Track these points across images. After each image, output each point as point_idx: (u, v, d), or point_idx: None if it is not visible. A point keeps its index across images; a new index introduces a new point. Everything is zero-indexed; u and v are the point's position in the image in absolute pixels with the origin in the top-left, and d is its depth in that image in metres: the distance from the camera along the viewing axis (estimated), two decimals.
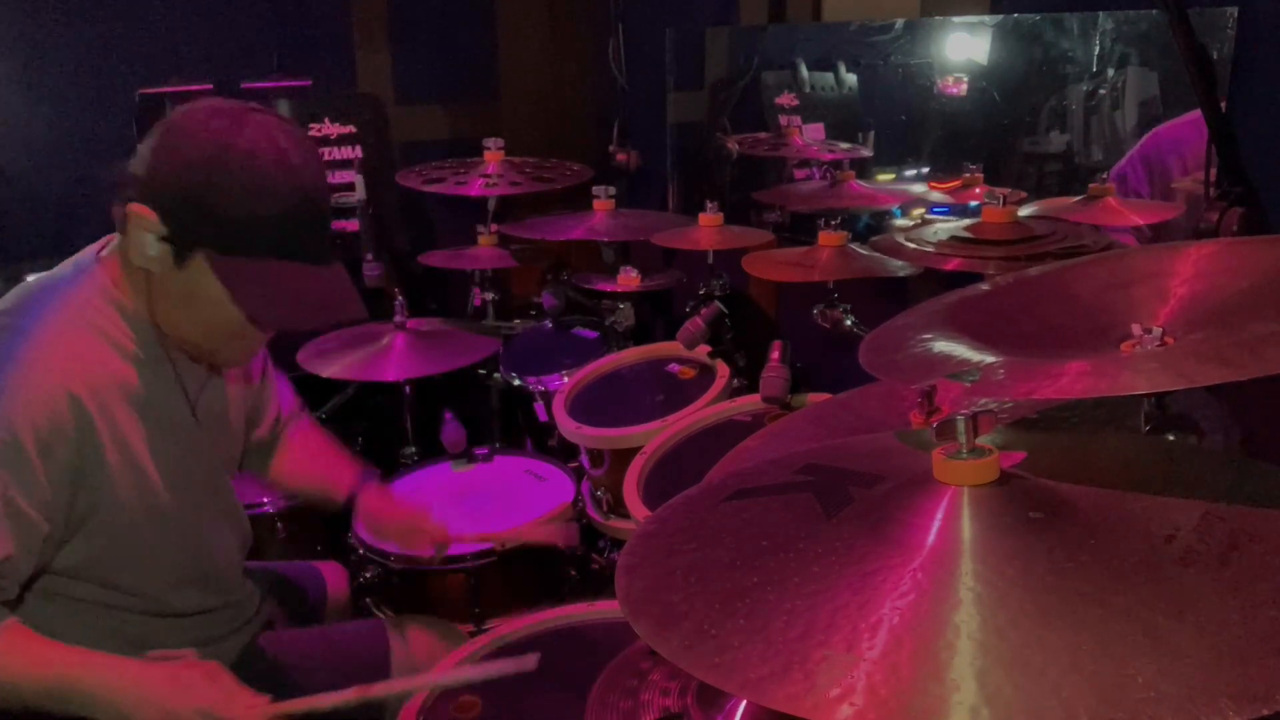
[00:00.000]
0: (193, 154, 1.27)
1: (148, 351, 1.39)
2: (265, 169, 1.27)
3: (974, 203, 2.17)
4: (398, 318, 2.56)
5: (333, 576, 1.93)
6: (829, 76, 2.70)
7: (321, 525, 2.26)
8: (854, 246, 1.98)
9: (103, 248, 1.43)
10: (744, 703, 1.09)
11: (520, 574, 1.96)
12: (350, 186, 3.04)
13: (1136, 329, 0.97)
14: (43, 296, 1.37)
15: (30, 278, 1.47)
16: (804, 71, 2.76)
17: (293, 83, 3.26)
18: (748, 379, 2.12)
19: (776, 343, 1.80)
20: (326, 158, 3.20)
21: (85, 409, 1.29)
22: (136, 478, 1.37)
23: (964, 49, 2.27)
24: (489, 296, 2.89)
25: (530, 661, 1.34)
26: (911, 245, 1.66)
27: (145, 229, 1.29)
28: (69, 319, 1.33)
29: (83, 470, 1.31)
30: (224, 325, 1.35)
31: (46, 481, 1.26)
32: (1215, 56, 1.64)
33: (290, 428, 1.79)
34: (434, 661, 1.51)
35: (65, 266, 1.42)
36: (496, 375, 2.65)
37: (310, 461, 1.78)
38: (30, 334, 1.30)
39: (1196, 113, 1.86)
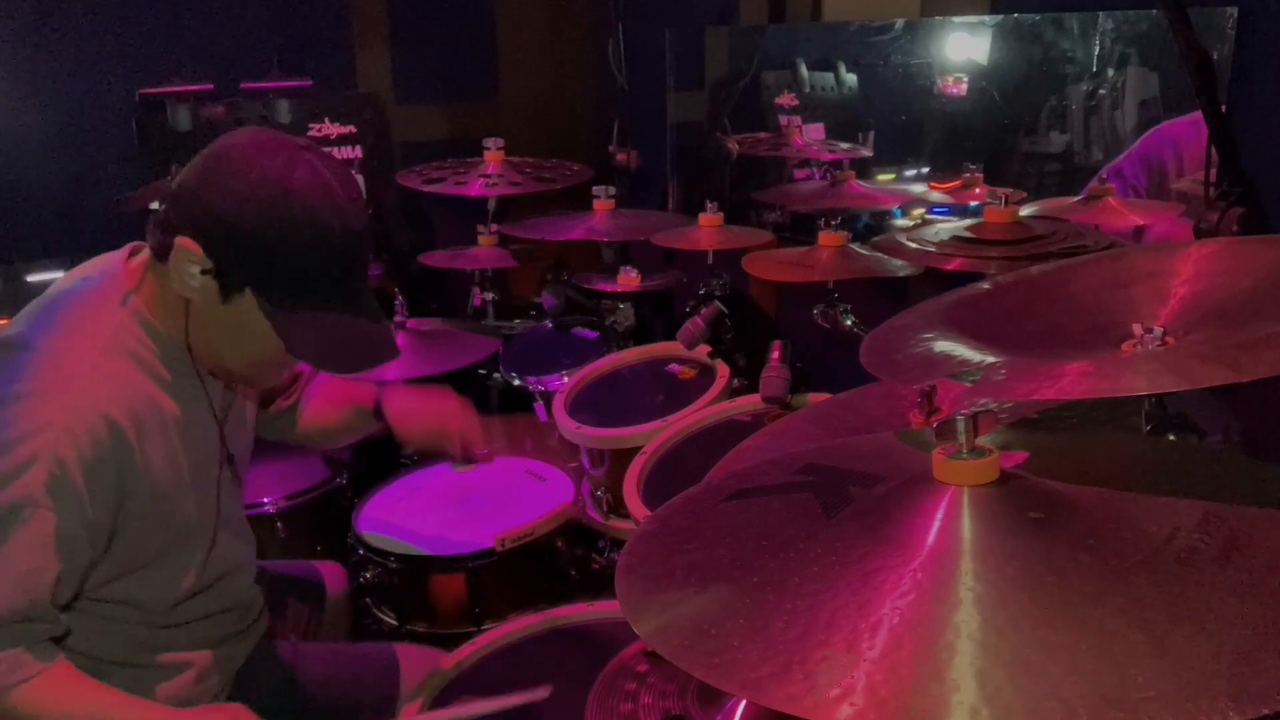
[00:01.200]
0: (246, 194, 1.25)
1: (181, 377, 1.38)
2: (322, 217, 1.26)
3: (974, 203, 2.17)
4: (398, 318, 2.56)
5: (332, 576, 1.93)
6: (829, 76, 2.70)
7: (321, 525, 2.25)
8: (854, 246, 1.98)
9: (128, 258, 1.40)
10: (743, 703, 1.09)
11: (520, 574, 1.96)
12: None
13: (1137, 329, 0.97)
14: (69, 314, 1.34)
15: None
16: (804, 71, 2.77)
17: (293, 83, 3.26)
18: (748, 379, 2.12)
19: (776, 343, 1.80)
20: None
21: (124, 435, 1.29)
22: (161, 503, 1.37)
23: (964, 49, 2.27)
24: (489, 296, 2.88)
25: (542, 693, 1.36)
26: (912, 245, 1.66)
27: (190, 260, 1.27)
28: (104, 344, 1.31)
29: (120, 494, 1.31)
30: (264, 355, 1.35)
31: (93, 509, 1.27)
32: (1215, 56, 1.64)
33: (309, 385, 1.78)
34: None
35: (90, 279, 1.39)
36: (496, 375, 2.65)
37: (330, 395, 1.78)
38: (64, 359, 1.29)
39: (1197, 113, 1.87)
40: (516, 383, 2.52)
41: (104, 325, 1.33)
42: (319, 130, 3.23)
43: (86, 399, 1.26)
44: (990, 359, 0.91)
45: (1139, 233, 1.89)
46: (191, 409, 1.41)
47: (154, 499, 1.36)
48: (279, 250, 1.26)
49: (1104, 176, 1.95)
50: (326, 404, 1.78)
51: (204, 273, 1.28)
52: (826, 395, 1.69)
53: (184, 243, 1.27)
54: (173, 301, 1.34)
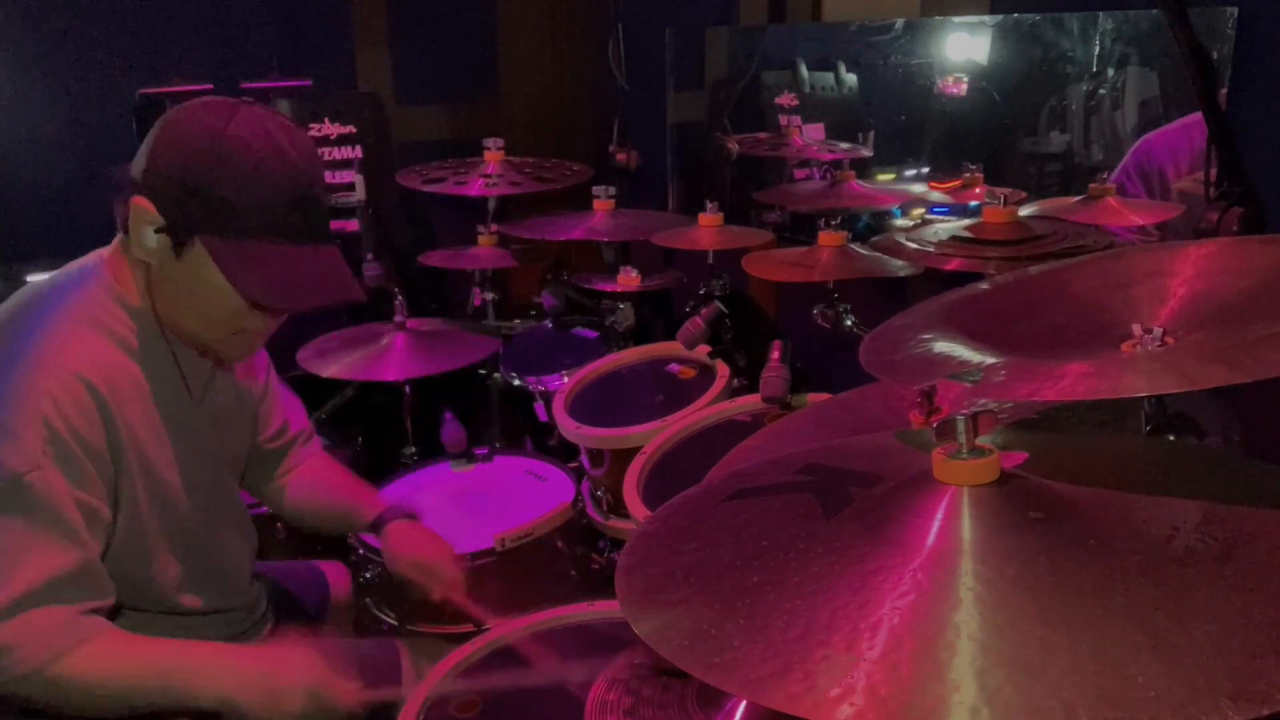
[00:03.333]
0: (186, 144, 1.29)
1: (150, 346, 1.40)
2: (256, 153, 1.29)
3: (974, 203, 2.17)
4: (398, 318, 2.56)
5: (335, 576, 1.93)
6: (829, 76, 2.71)
7: None
8: (854, 246, 1.98)
9: (107, 250, 1.44)
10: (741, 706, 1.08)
11: (520, 574, 1.96)
12: (350, 186, 3.04)
13: (1137, 329, 0.97)
14: (49, 296, 1.38)
15: (29, 278, 1.48)
16: (804, 71, 2.77)
17: (293, 83, 3.26)
18: (748, 379, 2.12)
19: (776, 343, 1.79)
20: (326, 158, 3.20)
21: (103, 398, 1.31)
22: (148, 472, 1.38)
23: (964, 49, 2.27)
24: (489, 296, 2.89)
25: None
26: (912, 245, 1.66)
27: (145, 221, 1.31)
28: (75, 316, 1.35)
29: (114, 454, 1.33)
30: (224, 314, 1.36)
31: (95, 471, 1.29)
32: (1215, 56, 1.64)
33: (300, 452, 1.78)
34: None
35: (70, 268, 1.43)
36: (496, 375, 2.65)
37: (329, 487, 1.77)
38: (39, 333, 1.32)
39: (1187, 118, 1.88)
40: (516, 383, 2.52)
41: (74, 300, 1.37)
42: (319, 130, 3.23)
43: (62, 367, 1.29)
44: (990, 359, 0.91)
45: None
46: (163, 380, 1.42)
47: (144, 471, 1.37)
48: (215, 189, 1.28)
49: (1105, 177, 1.95)
50: (324, 487, 1.77)
51: (158, 231, 1.31)
52: (826, 395, 1.69)
53: (137, 202, 1.31)
54: (139, 271, 1.38)
